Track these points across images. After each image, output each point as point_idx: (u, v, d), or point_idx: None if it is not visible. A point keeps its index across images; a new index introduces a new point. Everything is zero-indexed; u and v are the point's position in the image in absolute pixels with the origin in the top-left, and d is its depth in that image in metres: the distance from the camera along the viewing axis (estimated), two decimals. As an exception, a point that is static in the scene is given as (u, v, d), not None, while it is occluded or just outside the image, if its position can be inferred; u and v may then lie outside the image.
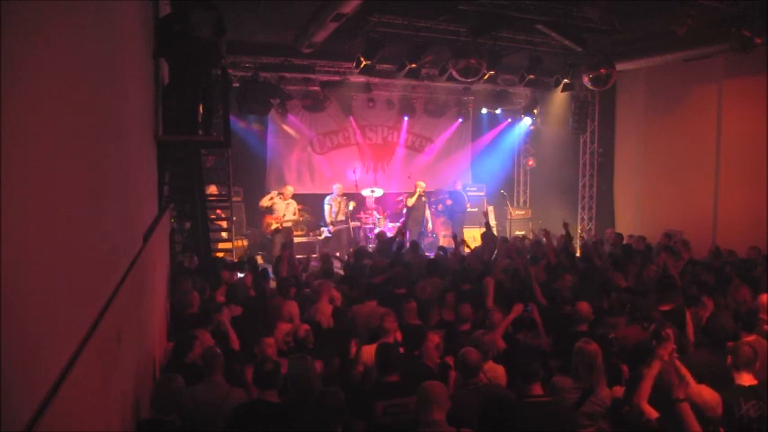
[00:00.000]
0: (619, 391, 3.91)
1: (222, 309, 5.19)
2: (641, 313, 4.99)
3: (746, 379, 3.43)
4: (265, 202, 10.80)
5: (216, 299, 5.91)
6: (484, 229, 9.86)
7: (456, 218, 12.60)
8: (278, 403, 3.57)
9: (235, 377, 4.10)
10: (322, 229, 11.82)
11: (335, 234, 11.58)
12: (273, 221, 10.68)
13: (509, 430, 3.04)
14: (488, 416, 3.05)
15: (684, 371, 3.37)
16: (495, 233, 11.04)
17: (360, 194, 12.32)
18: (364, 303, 5.80)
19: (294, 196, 11.08)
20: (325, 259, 8.22)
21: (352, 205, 11.89)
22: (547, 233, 8.43)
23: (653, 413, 3.26)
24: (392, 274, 6.74)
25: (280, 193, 11.00)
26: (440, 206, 12.99)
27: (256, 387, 3.68)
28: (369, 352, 4.53)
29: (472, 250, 9.04)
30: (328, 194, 11.97)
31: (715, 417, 3.01)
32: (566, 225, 9.00)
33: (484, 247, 9.09)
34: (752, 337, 4.18)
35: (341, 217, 11.65)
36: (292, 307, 5.54)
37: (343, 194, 11.88)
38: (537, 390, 3.58)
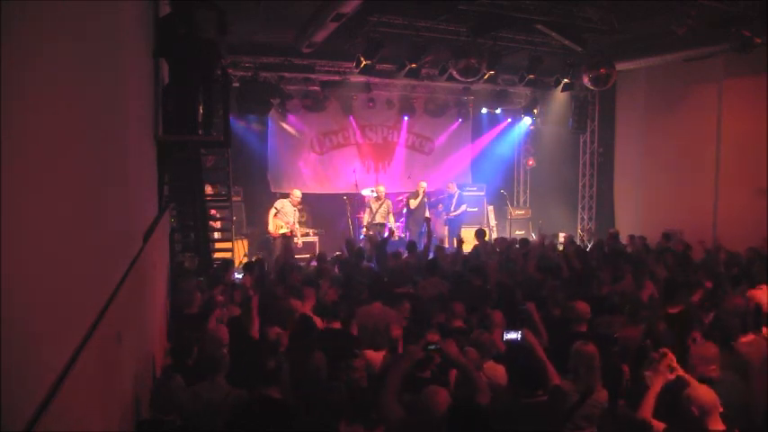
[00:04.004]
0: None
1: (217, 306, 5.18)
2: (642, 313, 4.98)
3: None
4: (275, 207, 10.55)
5: (215, 298, 5.90)
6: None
7: (455, 218, 12.58)
8: (278, 400, 3.55)
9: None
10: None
11: (367, 238, 10.91)
12: (284, 225, 10.40)
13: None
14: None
15: (693, 380, 3.34)
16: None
17: (360, 194, 12.31)
18: (371, 305, 5.50)
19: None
20: (322, 259, 8.20)
21: (388, 206, 11.41)
22: (543, 237, 8.46)
23: (659, 425, 3.21)
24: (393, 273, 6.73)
25: (285, 195, 10.85)
26: (440, 206, 12.99)
27: (256, 385, 3.65)
28: (373, 359, 4.49)
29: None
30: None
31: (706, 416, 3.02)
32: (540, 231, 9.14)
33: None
34: (750, 338, 4.19)
35: (379, 219, 11.24)
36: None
37: (379, 195, 11.34)
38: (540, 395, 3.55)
